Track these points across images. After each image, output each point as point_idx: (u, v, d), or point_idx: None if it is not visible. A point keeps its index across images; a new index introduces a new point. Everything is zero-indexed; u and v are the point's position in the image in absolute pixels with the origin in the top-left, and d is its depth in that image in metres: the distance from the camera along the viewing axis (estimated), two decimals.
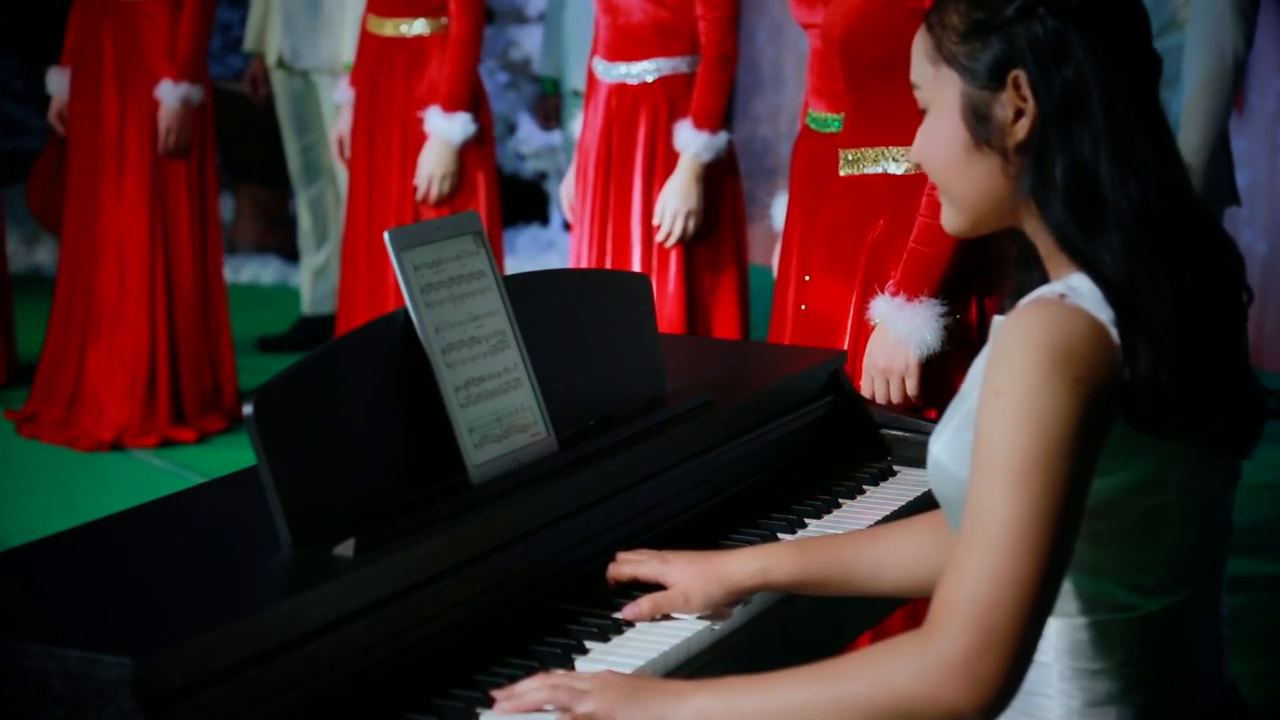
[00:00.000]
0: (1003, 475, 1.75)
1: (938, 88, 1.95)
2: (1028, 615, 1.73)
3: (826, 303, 3.42)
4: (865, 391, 3.18)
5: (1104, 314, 1.81)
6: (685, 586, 2.22)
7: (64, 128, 6.04)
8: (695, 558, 2.26)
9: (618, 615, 2.22)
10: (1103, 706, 1.91)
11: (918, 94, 1.99)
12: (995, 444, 1.77)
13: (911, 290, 3.13)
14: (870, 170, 3.31)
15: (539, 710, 1.92)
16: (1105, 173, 1.85)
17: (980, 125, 1.91)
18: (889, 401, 3.16)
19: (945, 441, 1.93)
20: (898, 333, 3.14)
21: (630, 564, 2.29)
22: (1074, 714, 1.92)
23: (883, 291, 3.18)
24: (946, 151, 1.94)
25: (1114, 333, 1.80)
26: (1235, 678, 2.07)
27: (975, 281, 3.19)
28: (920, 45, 1.98)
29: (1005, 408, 1.76)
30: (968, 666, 1.72)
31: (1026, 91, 1.88)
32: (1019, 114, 1.89)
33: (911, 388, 3.14)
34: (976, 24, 1.90)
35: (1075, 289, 1.83)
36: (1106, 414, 1.79)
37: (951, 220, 1.99)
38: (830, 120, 3.65)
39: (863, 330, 3.27)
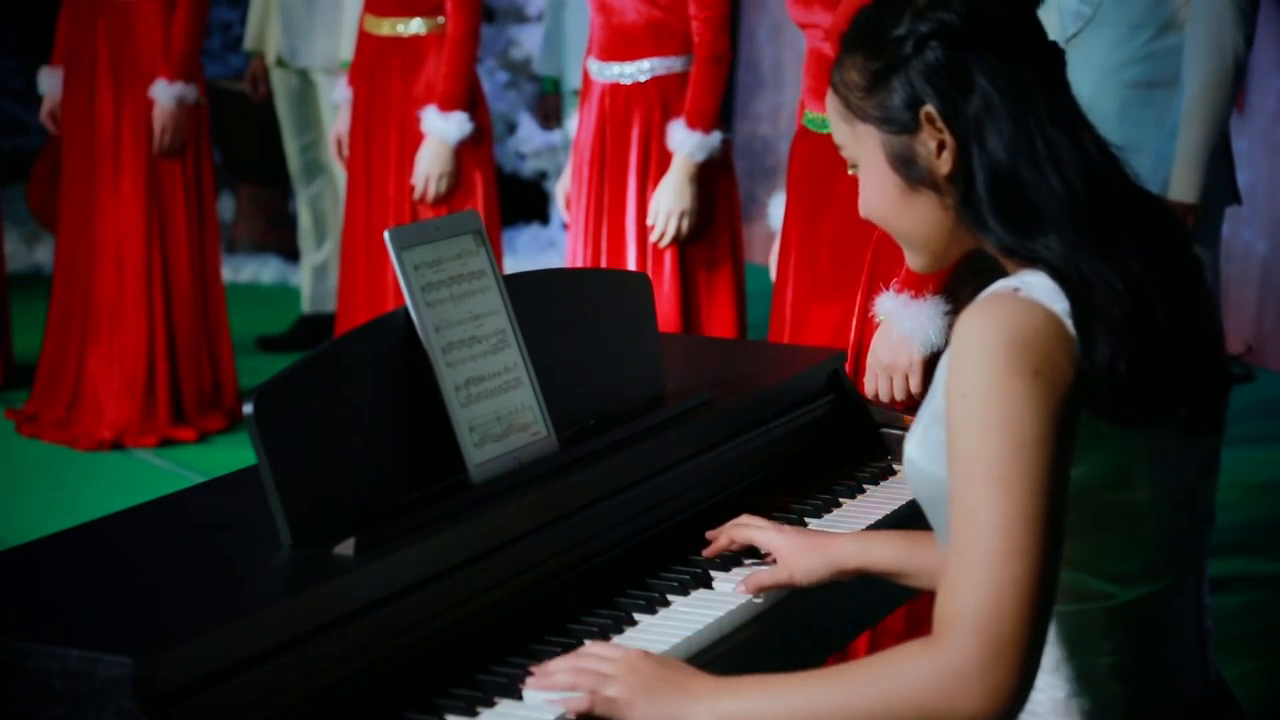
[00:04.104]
0: (982, 481, 1.77)
1: (859, 144, 1.99)
2: (1032, 616, 1.75)
3: (832, 300, 3.41)
4: (869, 388, 3.18)
5: (1058, 305, 1.83)
6: (790, 562, 2.28)
7: (56, 127, 6.04)
8: (805, 533, 2.34)
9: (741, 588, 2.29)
10: (1087, 697, 1.92)
11: (844, 153, 2.04)
12: (969, 449, 1.79)
13: (916, 287, 3.13)
14: None
15: (569, 691, 1.96)
16: (1026, 175, 1.88)
17: (909, 169, 1.94)
18: (892, 399, 3.16)
19: (918, 440, 1.95)
20: (902, 329, 3.13)
21: (754, 529, 2.36)
22: (1059, 704, 1.93)
23: (888, 289, 3.18)
24: (886, 201, 1.98)
25: (1069, 324, 1.82)
26: (1235, 678, 2.08)
27: (979, 279, 3.19)
28: (832, 107, 2.03)
29: (972, 410, 1.79)
30: (982, 676, 1.74)
31: (941, 124, 1.91)
32: (941, 146, 1.92)
33: (914, 385, 3.14)
34: (876, 74, 1.94)
35: (1029, 283, 1.86)
36: (1070, 404, 1.80)
37: (915, 261, 2.03)
38: (828, 120, 3.64)
39: (868, 328, 3.27)
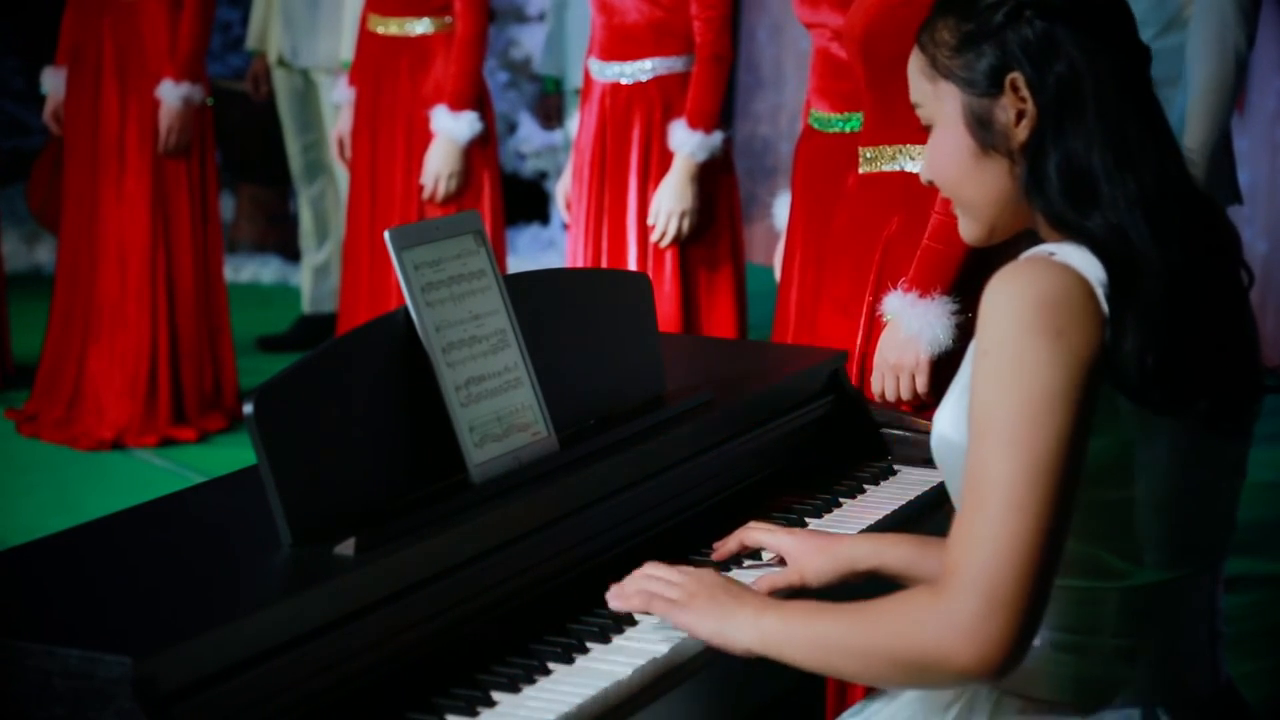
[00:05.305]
0: (994, 436, 1.79)
1: (939, 103, 2.00)
2: (1032, 575, 1.77)
3: (840, 299, 3.41)
4: (875, 387, 3.18)
5: (1092, 273, 1.84)
6: (801, 563, 2.29)
7: (59, 127, 6.03)
8: (815, 535, 2.35)
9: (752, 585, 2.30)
10: (1093, 681, 1.93)
11: (920, 112, 2.04)
12: (986, 404, 1.81)
13: (924, 287, 3.12)
14: (887, 168, 3.31)
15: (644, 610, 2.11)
16: (1100, 165, 1.89)
17: (985, 131, 1.96)
18: (898, 398, 3.15)
19: (948, 412, 1.97)
20: (909, 329, 3.13)
21: (764, 532, 2.37)
22: (1067, 680, 1.93)
23: (895, 288, 3.18)
24: (956, 162, 1.99)
25: (1100, 293, 1.83)
26: (1237, 677, 2.07)
27: (989, 279, 3.19)
28: (915, 64, 2.03)
29: (992, 366, 1.81)
30: (976, 629, 1.77)
31: (1025, 92, 1.93)
32: (1020, 115, 1.93)
33: (921, 385, 3.13)
34: (967, 35, 1.96)
35: (1065, 250, 1.88)
36: (1093, 369, 1.81)
37: (969, 229, 2.03)
38: (834, 120, 3.64)
39: (875, 327, 3.27)
